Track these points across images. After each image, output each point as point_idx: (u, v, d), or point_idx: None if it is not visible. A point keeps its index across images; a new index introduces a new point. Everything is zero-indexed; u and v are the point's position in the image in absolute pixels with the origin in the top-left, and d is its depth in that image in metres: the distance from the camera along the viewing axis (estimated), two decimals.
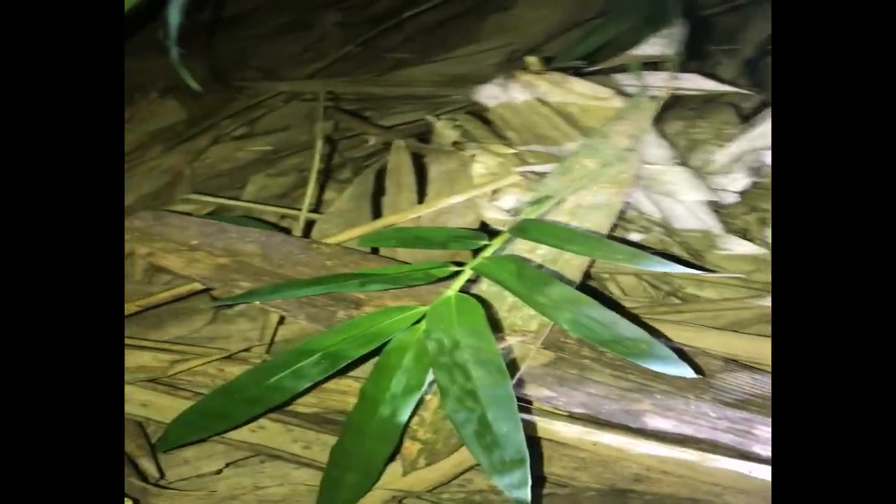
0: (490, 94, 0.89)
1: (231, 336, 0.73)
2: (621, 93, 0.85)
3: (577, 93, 0.86)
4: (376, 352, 0.57)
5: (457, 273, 0.62)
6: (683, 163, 0.80)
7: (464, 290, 0.61)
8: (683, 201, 0.77)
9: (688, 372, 0.52)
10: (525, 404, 0.58)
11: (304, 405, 0.64)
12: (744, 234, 0.77)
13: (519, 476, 0.48)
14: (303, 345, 0.58)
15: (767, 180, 0.81)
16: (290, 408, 0.64)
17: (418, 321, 0.58)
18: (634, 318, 0.57)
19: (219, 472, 0.62)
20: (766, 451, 0.55)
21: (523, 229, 0.67)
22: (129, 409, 0.64)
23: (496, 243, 0.66)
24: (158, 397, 0.65)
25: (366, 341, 0.57)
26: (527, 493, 0.48)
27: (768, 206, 0.78)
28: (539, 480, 0.58)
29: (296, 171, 0.97)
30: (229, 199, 0.92)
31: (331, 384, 0.64)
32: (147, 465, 0.62)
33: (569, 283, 0.63)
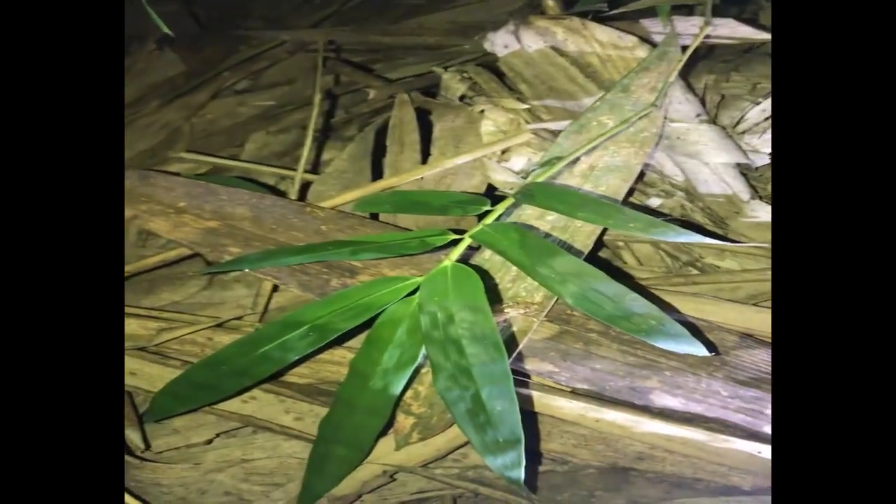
0: (501, 43, 0.86)
1: (225, 303, 0.72)
2: (647, 41, 0.82)
3: (598, 41, 0.83)
4: (368, 323, 0.56)
5: (455, 241, 0.60)
6: (712, 120, 0.77)
7: (465, 259, 0.60)
8: (709, 163, 0.74)
9: (700, 350, 0.50)
10: (523, 379, 0.58)
11: (298, 376, 0.63)
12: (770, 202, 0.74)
13: (513, 456, 0.48)
14: (290, 316, 0.58)
15: None
16: (283, 378, 0.63)
17: (412, 293, 0.57)
18: (645, 292, 0.55)
19: (209, 442, 0.62)
20: None
21: (530, 194, 0.64)
22: None
23: (499, 209, 0.64)
24: (147, 366, 0.65)
25: (356, 314, 0.56)
26: (521, 474, 0.48)
27: None
28: (535, 457, 0.58)
29: (298, 128, 0.95)
30: (228, 157, 0.91)
31: (325, 355, 0.63)
32: (132, 436, 0.62)
33: (578, 253, 0.62)
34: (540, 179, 0.67)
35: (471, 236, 0.61)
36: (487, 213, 0.64)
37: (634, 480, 0.57)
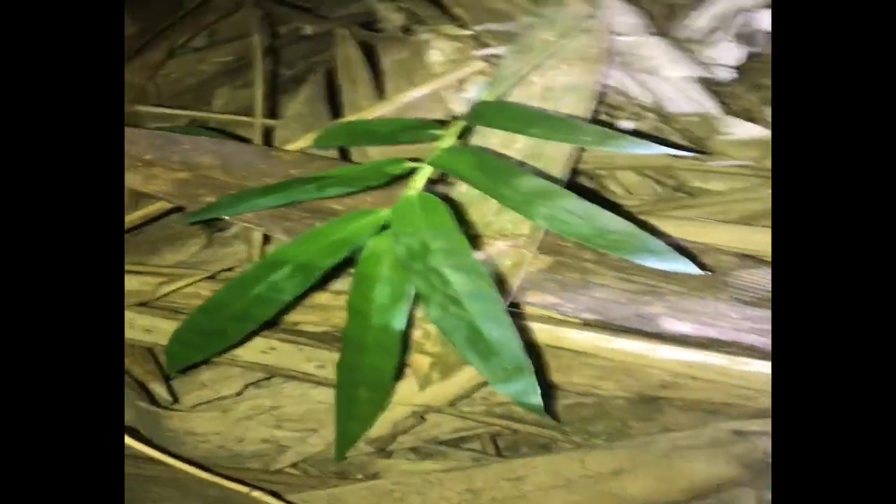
0: None
1: (226, 258, 0.68)
2: None
3: None
4: (351, 262, 0.53)
5: (416, 170, 0.55)
6: (662, 33, 0.70)
7: (442, 193, 0.55)
8: (670, 78, 0.67)
9: (690, 268, 0.45)
10: (516, 310, 0.54)
11: (311, 324, 0.60)
12: (747, 116, 0.67)
13: (524, 383, 0.44)
14: (271, 256, 0.54)
15: (765, 51, 0.70)
16: (298, 327, 0.60)
17: (385, 226, 0.52)
18: (628, 216, 0.48)
19: (239, 393, 0.60)
20: None
21: (479, 114, 0.59)
22: (133, 335, 0.61)
23: (451, 133, 0.58)
24: (161, 322, 0.61)
25: (334, 249, 0.52)
26: (538, 400, 0.44)
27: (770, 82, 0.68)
28: (556, 391, 0.54)
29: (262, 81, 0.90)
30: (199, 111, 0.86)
31: (333, 301, 0.59)
32: (158, 389, 0.60)
33: (555, 180, 0.56)
34: (489, 100, 0.62)
35: (428, 162, 0.55)
36: (438, 137, 0.58)
37: (665, 409, 0.53)
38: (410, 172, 0.56)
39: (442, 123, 0.60)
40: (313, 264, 0.52)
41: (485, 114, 0.59)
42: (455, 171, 0.54)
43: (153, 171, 0.65)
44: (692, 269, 0.45)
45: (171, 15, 1.01)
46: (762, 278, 0.53)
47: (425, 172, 0.56)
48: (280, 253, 0.53)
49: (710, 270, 0.53)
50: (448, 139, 0.58)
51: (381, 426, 0.54)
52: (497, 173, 0.52)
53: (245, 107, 0.87)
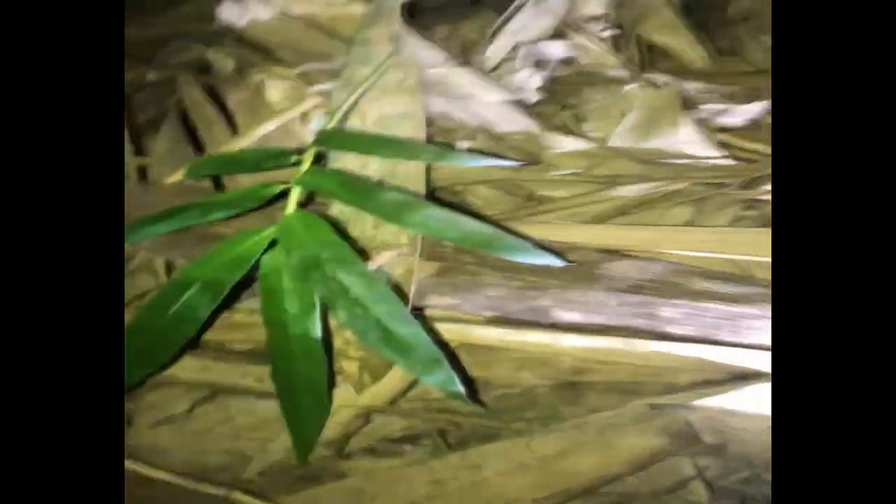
0: (232, 14, 0.82)
1: (135, 289, 0.67)
2: None
3: (317, 1, 0.80)
4: (255, 280, 0.54)
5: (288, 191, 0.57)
6: (465, 64, 0.76)
7: (320, 213, 0.58)
8: (488, 103, 0.72)
9: (554, 260, 0.48)
10: (419, 312, 0.56)
11: (237, 342, 0.60)
12: (565, 131, 0.73)
13: (443, 373, 0.46)
14: (176, 276, 0.53)
15: (565, 74, 0.78)
16: (225, 347, 0.61)
17: (274, 242, 0.54)
18: (490, 222, 0.51)
19: (189, 410, 0.59)
20: (678, 329, 0.54)
21: (324, 140, 0.62)
22: None
23: (307, 157, 0.61)
24: None
25: (234, 265, 0.53)
26: (459, 387, 0.45)
27: (577, 101, 0.77)
28: (475, 382, 0.57)
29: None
30: None
31: (249, 319, 0.60)
32: None
33: (417, 196, 0.59)
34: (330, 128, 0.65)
35: (295, 183, 0.57)
36: (298, 162, 0.61)
37: (585, 392, 0.55)
38: (282, 194, 0.58)
39: (300, 151, 0.64)
40: (219, 280, 0.53)
41: (329, 140, 0.63)
42: (321, 189, 0.59)
43: None
44: (556, 261, 0.48)
45: None
46: (628, 268, 0.57)
47: (296, 192, 0.58)
48: (185, 273, 0.54)
49: (572, 262, 0.55)
50: (306, 163, 0.61)
51: (332, 429, 0.55)
52: (361, 189, 0.56)
53: None
